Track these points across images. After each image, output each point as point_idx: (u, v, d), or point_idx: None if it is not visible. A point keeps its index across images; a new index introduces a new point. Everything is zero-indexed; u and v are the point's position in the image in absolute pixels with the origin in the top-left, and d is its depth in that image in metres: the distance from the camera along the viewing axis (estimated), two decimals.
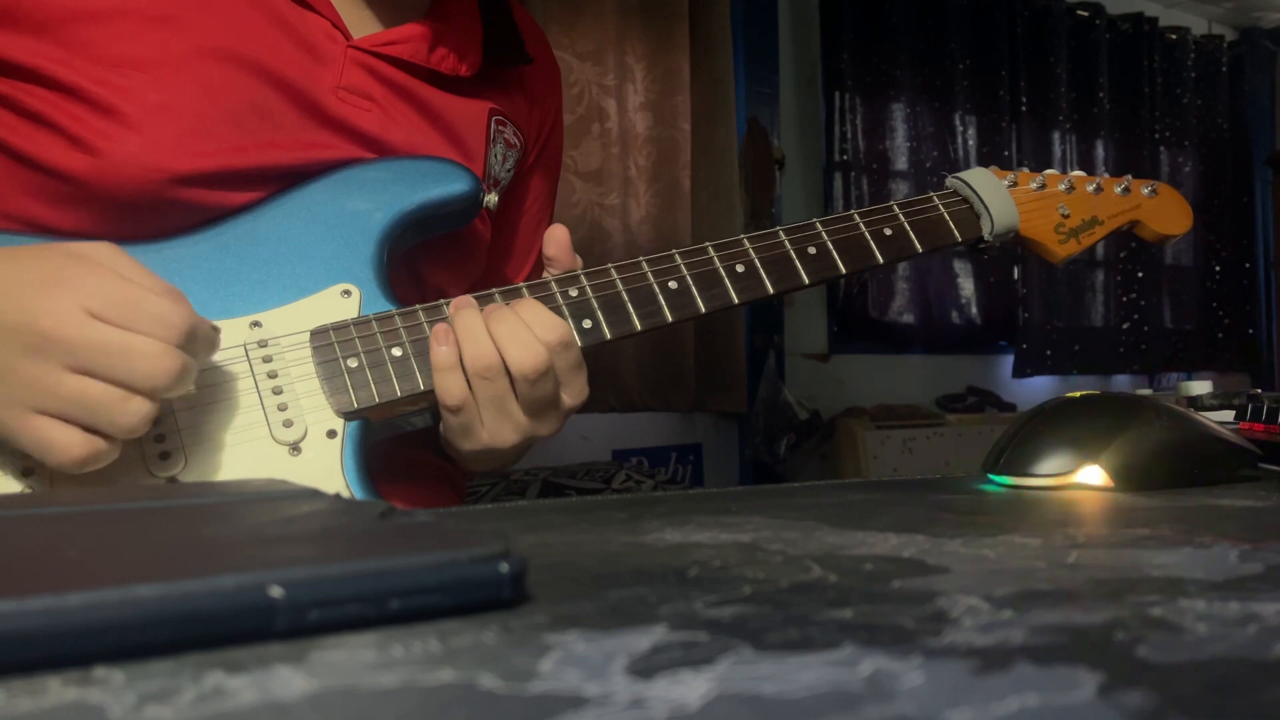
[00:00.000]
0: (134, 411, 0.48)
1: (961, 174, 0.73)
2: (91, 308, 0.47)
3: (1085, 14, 3.76)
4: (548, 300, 0.61)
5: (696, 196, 2.66)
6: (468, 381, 0.58)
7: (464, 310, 0.58)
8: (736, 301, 0.64)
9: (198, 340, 0.51)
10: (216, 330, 0.53)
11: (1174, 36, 4.00)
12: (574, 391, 0.60)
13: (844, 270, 0.66)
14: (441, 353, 0.57)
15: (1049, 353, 3.59)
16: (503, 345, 0.57)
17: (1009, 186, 0.73)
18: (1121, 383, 3.85)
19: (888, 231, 0.68)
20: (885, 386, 3.19)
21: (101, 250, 0.50)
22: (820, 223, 0.67)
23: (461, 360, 0.57)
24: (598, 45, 2.53)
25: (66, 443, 0.48)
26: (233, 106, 0.60)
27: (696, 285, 0.63)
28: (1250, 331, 4.18)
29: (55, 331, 0.47)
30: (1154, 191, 0.77)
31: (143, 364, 0.47)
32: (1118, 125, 3.81)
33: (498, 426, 0.59)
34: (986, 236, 0.71)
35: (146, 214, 0.58)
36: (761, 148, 2.83)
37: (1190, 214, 0.78)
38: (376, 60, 0.65)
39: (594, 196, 2.51)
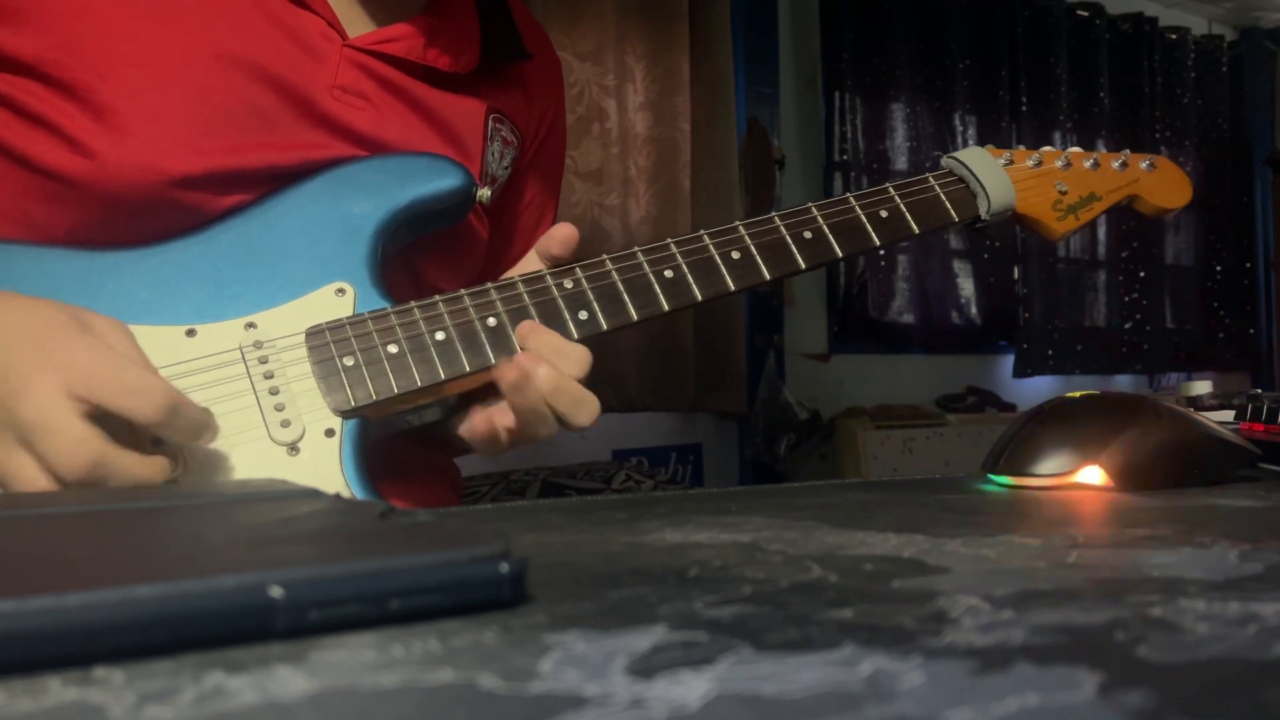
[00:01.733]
0: None
1: (957, 153, 0.72)
2: (68, 382, 0.47)
3: (1085, 14, 3.76)
4: (543, 293, 0.61)
5: (696, 196, 2.66)
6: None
7: (528, 392, 0.58)
8: (733, 289, 0.63)
9: (179, 417, 0.50)
10: (208, 414, 0.52)
11: (1174, 36, 4.00)
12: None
13: (840, 253, 0.66)
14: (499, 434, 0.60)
15: (1050, 352, 3.59)
16: (562, 411, 0.58)
17: (1005, 165, 0.72)
18: (1122, 383, 3.85)
19: (883, 213, 0.68)
20: (885, 386, 3.19)
21: (102, 322, 0.51)
22: (816, 207, 0.67)
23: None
24: (598, 45, 2.53)
25: None
26: (229, 107, 0.60)
27: (692, 273, 0.63)
28: (1251, 331, 4.18)
29: (16, 405, 0.47)
30: (1152, 165, 0.76)
31: (55, 446, 0.47)
32: (1118, 125, 3.81)
33: (528, 439, 0.61)
34: (983, 215, 0.70)
35: (143, 215, 0.58)
36: (761, 148, 2.83)
37: (1189, 186, 0.76)
38: (372, 59, 0.65)
39: (594, 196, 2.51)
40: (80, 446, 0.47)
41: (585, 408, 0.58)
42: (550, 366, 0.57)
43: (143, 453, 0.49)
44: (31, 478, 0.47)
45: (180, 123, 0.58)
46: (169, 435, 0.50)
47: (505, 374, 0.58)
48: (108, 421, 0.48)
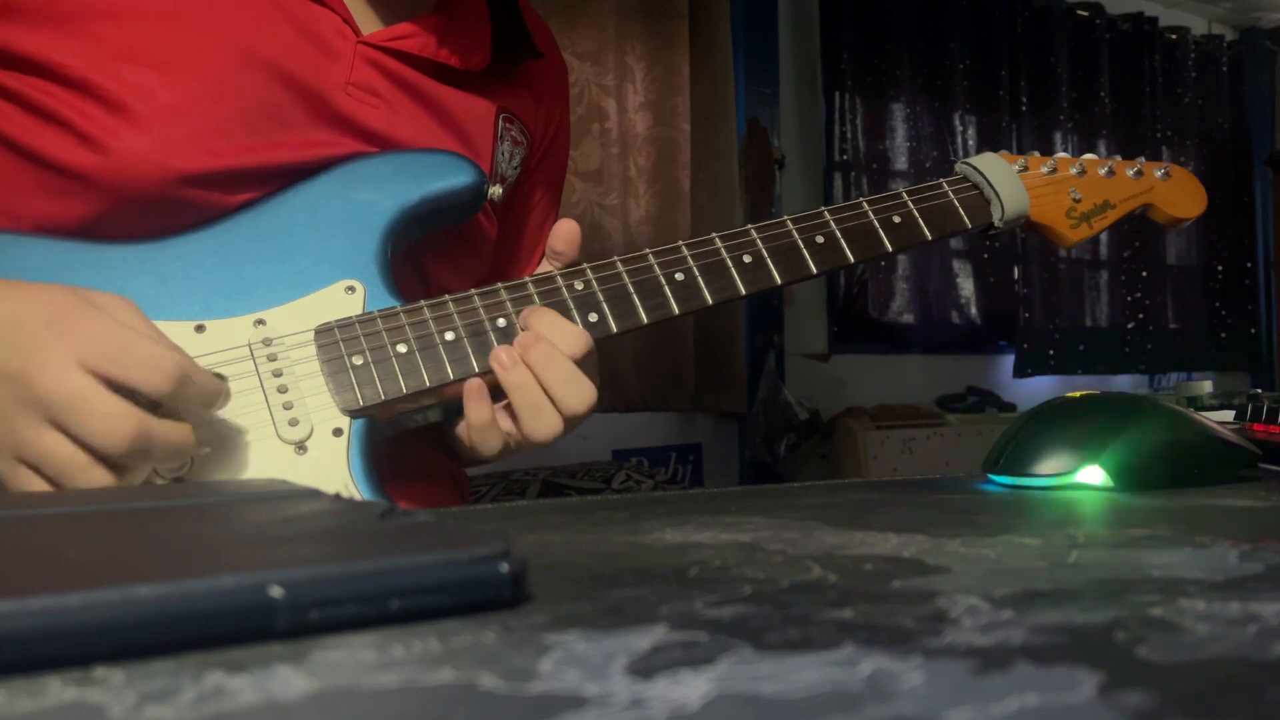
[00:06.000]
0: (93, 482, 0.47)
1: (971, 159, 0.72)
2: (82, 358, 0.47)
3: (1085, 14, 3.75)
4: (553, 294, 0.61)
5: (696, 196, 2.66)
6: (514, 421, 0.60)
7: (517, 370, 0.58)
8: (744, 293, 0.63)
9: (191, 386, 0.49)
10: (222, 379, 0.53)
11: (1174, 36, 4.00)
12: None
13: (852, 259, 0.65)
14: (481, 413, 0.59)
15: (1051, 352, 3.59)
16: (553, 390, 0.58)
17: (1020, 171, 0.72)
18: (1123, 383, 3.85)
19: (896, 219, 0.67)
20: (885, 386, 3.19)
21: (108, 298, 0.50)
22: (828, 211, 0.66)
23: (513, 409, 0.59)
24: (598, 45, 2.53)
25: None
26: (243, 105, 0.60)
27: (703, 276, 0.63)
28: (1253, 331, 4.18)
29: (39, 384, 0.46)
30: (1167, 174, 0.75)
31: (96, 423, 0.46)
32: (1118, 125, 3.81)
33: (530, 443, 0.61)
34: (997, 223, 0.70)
35: (153, 212, 0.58)
36: (761, 148, 2.83)
37: (1204, 197, 0.76)
38: (385, 56, 0.65)
39: (594, 196, 2.51)
40: (123, 420, 0.46)
41: (577, 387, 0.58)
42: (546, 341, 0.58)
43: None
44: (68, 456, 0.46)
45: (194, 121, 0.58)
46: (182, 406, 0.50)
47: (498, 352, 0.59)
48: (128, 398, 0.48)
